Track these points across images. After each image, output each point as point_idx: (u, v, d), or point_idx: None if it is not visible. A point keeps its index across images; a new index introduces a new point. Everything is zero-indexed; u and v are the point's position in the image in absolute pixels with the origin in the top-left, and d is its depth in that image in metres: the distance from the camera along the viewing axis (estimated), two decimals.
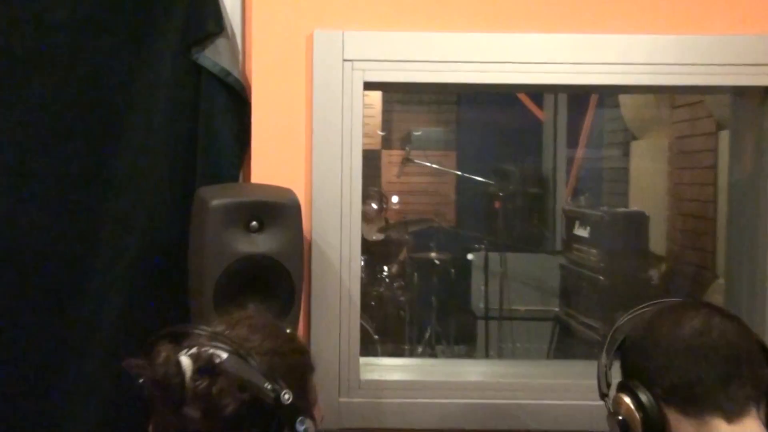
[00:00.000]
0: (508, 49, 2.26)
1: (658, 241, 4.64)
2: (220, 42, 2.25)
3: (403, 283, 5.82)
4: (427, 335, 5.87)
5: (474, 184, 6.03)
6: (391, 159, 7.03)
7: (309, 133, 2.25)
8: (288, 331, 1.30)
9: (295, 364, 1.23)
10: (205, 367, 1.12)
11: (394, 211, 6.67)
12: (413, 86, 2.31)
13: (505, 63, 2.27)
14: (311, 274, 2.26)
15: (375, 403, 2.29)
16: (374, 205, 6.09)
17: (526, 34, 2.26)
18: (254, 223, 1.98)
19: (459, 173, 6.50)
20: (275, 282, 2.01)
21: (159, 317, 2.21)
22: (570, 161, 6.44)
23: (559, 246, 5.68)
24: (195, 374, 1.12)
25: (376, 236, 6.09)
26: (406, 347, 5.77)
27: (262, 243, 1.98)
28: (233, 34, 2.30)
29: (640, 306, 1.48)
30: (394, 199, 6.75)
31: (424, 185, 6.99)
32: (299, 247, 2.02)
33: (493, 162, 6.47)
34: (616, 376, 1.48)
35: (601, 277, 4.26)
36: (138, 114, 2.28)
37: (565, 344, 4.83)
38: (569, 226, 4.80)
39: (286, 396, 1.14)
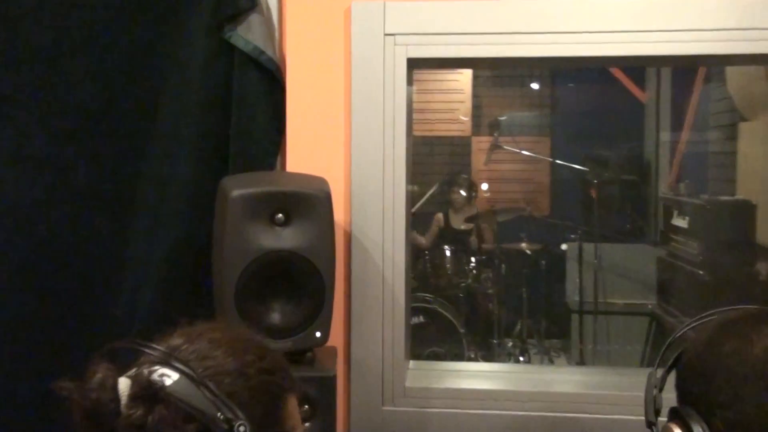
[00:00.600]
0: (576, 17, 1.99)
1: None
2: (254, 18, 2.08)
3: (491, 274, 5.58)
4: (517, 329, 5.61)
5: (568, 171, 5.70)
6: (481, 146, 6.75)
7: (348, 116, 2.05)
8: (263, 346, 1.08)
9: (263, 387, 1.02)
10: (144, 392, 0.94)
11: (484, 199, 6.42)
12: (465, 63, 2.08)
13: (575, 33, 2.00)
14: (351, 272, 2.07)
15: (422, 412, 2.09)
16: (463, 193, 5.88)
17: None
18: (280, 215, 1.80)
19: (549, 159, 6.18)
20: (303, 280, 1.83)
21: (192, 313, 2.08)
22: (673, 145, 5.99)
23: (658, 237, 5.28)
24: (131, 400, 0.94)
25: (465, 226, 5.88)
26: (495, 341, 5.53)
27: (288, 238, 1.80)
28: (269, 11, 2.12)
29: (706, 314, 1.19)
30: (484, 186, 6.49)
31: (517, 173, 6.68)
32: (329, 242, 1.83)
33: (590, 147, 6.10)
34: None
35: (700, 272, 3.87)
36: (170, 98, 2.15)
37: (661, 345, 4.45)
38: (667, 216, 4.41)
39: (242, 428, 0.94)
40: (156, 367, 0.97)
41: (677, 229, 4.21)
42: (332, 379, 1.81)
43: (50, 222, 2.15)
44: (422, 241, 5.79)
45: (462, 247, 5.68)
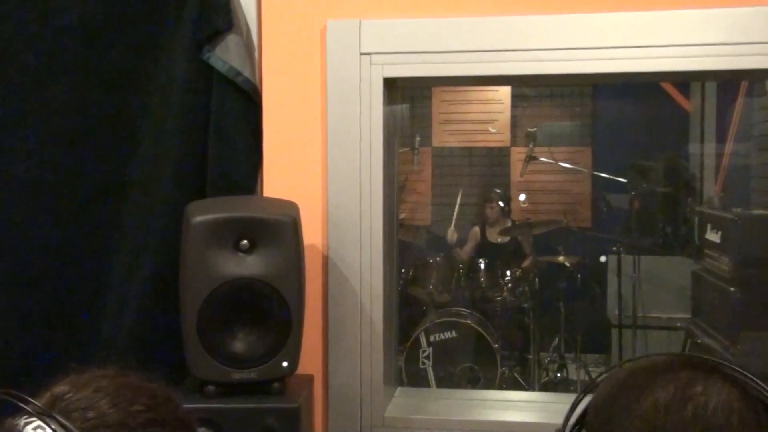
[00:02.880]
0: (554, 34, 1.90)
1: None
2: (231, 40, 2.04)
3: (527, 288, 5.45)
4: (554, 343, 5.48)
5: (609, 182, 5.56)
6: (520, 157, 6.63)
7: (324, 138, 2.00)
8: (157, 394, 1.02)
9: None
10: None
11: (520, 211, 6.29)
12: (444, 81, 2.01)
13: (556, 50, 1.91)
14: (328, 298, 2.01)
15: None
16: (498, 206, 5.78)
17: (579, 15, 1.90)
18: (244, 242, 1.77)
19: (584, 170, 6.03)
20: (269, 308, 1.79)
21: (173, 337, 2.06)
22: (717, 157, 5.76)
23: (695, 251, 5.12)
24: None
25: (501, 239, 5.77)
26: (530, 357, 5.41)
27: (252, 264, 1.76)
28: (248, 31, 2.09)
29: (619, 363, 1.08)
30: (521, 198, 6.36)
31: (556, 184, 6.53)
32: (296, 269, 1.78)
33: (633, 158, 5.92)
34: None
35: (730, 288, 3.69)
36: (151, 121, 2.13)
37: None
38: (701, 229, 4.23)
39: None
40: (32, 420, 0.93)
41: (710, 244, 4.04)
42: (295, 411, 1.75)
43: (30, 245, 2.15)
44: (460, 255, 5.74)
45: (497, 261, 5.58)
